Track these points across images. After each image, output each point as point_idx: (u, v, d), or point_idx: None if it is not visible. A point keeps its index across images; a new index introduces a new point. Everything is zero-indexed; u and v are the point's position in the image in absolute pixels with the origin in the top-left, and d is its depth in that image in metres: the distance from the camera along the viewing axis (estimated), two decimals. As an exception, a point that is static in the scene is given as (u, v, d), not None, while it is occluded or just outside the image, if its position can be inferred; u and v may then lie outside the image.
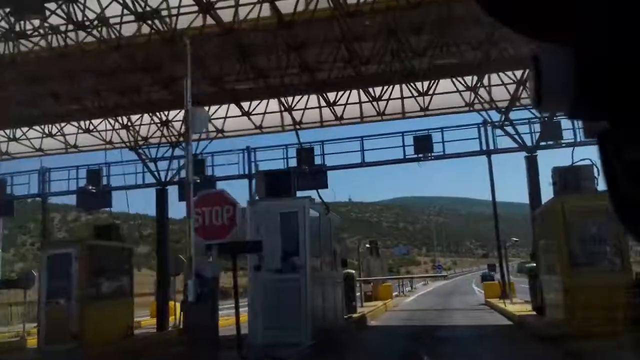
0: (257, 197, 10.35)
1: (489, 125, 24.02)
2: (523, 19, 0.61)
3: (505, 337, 12.44)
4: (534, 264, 16.41)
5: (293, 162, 26.05)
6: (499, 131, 22.14)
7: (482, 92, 16.74)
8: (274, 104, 17.91)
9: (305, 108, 17.62)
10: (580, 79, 0.59)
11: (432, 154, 24.80)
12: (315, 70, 14.94)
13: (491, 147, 24.16)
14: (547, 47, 0.62)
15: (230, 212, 6.60)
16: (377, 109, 17.74)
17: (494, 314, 18.58)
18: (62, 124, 18.91)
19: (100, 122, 18.68)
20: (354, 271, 17.50)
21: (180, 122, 17.92)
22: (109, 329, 12.58)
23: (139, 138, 19.00)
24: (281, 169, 10.43)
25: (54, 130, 19.16)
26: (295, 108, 17.53)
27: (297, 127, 18.36)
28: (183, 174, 19.90)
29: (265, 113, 18.01)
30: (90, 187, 27.07)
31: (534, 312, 15.08)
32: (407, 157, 25.02)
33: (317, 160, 25.87)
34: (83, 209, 32.24)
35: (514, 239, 20.62)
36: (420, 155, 24.72)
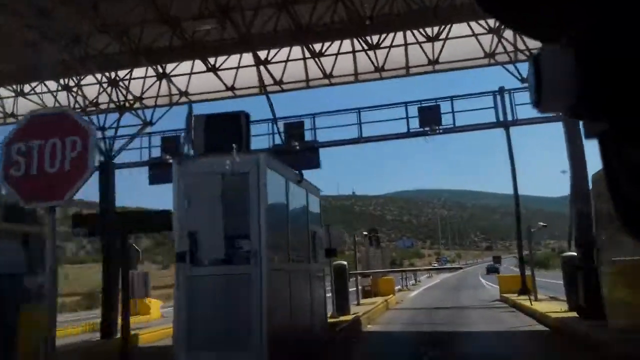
0: (191, 152, 7.07)
1: (506, 92, 20.72)
2: (519, 16, 0.61)
3: (551, 352, 9.10)
4: (574, 253, 13.10)
5: (281, 139, 22.76)
6: (519, 99, 18.75)
7: (507, 35, 13.23)
8: (248, 59, 14.56)
9: (287, 60, 14.20)
10: (580, 79, 0.57)
11: (441, 127, 21.47)
12: (294, 3, 11.59)
13: (509, 118, 20.95)
14: (548, 47, 0.61)
15: (77, 149, 3.34)
16: (375, 63, 14.33)
17: (518, 314, 15.26)
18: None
19: (38, 85, 15.39)
20: (345, 263, 14.19)
21: (129, 81, 14.60)
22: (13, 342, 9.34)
23: (87, 103, 15.66)
24: (230, 112, 7.12)
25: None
26: (273, 61, 14.13)
27: (278, 87, 15.00)
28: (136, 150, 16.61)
29: (238, 67, 14.61)
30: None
31: (575, 314, 11.81)
32: (411, 130, 21.68)
33: (308, 136, 22.61)
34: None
35: (541, 223, 17.27)
36: (427, 128, 21.36)
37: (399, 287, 32.24)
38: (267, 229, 6.51)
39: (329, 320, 12.39)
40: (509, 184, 21.56)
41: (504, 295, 20.39)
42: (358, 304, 17.53)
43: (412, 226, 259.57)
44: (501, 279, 21.68)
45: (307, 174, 10.22)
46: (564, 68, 0.58)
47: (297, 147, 22.37)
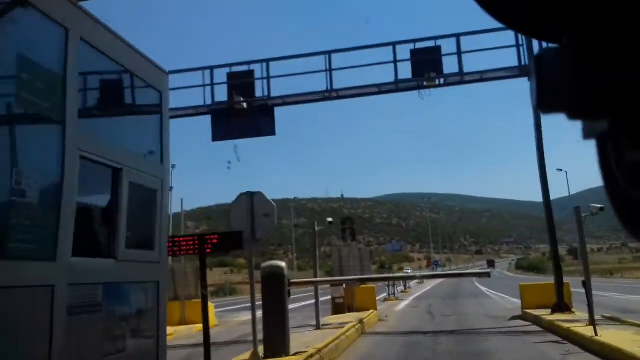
0: None
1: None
2: (518, 15, 0.61)
3: None
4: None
5: (222, 94, 16.84)
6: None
7: None
8: None
9: None
10: (580, 78, 0.58)
11: (441, 76, 15.55)
12: None
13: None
14: (548, 47, 0.62)
15: None
16: None
17: (570, 348, 9.30)
18: None
19: None
20: (283, 264, 8.11)
21: None
22: None
23: None
24: None
25: None
26: None
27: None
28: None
29: None
30: None
31: None
32: (399, 81, 15.75)
33: (259, 91, 16.67)
34: None
35: (596, 205, 11.45)
36: (422, 78, 15.47)
37: (385, 295, 26.38)
38: None
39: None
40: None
41: (528, 311, 14.52)
42: (317, 328, 11.52)
43: (400, 229, 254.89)
44: (525, 289, 15.69)
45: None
46: (565, 68, 0.57)
47: (245, 105, 16.37)
